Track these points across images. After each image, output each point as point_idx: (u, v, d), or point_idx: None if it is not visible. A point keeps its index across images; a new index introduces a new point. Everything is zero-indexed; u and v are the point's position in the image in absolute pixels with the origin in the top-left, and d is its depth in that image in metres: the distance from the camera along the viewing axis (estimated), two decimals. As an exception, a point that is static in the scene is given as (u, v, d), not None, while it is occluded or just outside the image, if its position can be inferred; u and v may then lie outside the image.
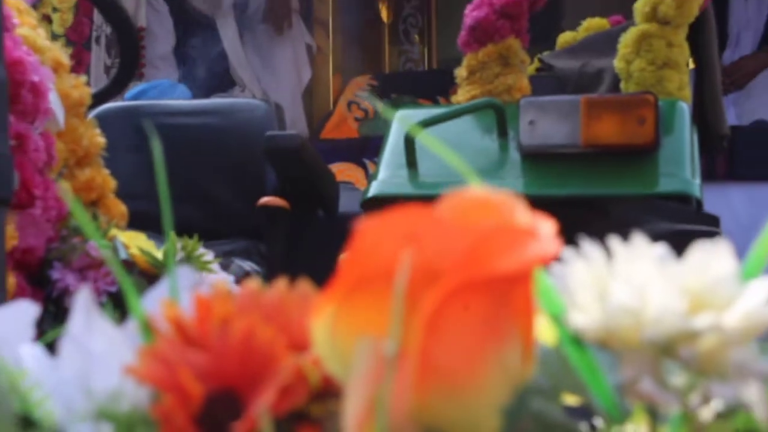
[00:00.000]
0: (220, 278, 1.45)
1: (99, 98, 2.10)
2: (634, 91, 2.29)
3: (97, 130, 1.69)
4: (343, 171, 4.17)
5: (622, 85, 2.41)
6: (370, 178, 2.22)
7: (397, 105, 4.59)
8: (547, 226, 0.37)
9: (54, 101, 1.57)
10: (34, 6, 4.32)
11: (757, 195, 3.93)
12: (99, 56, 4.31)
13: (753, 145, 3.95)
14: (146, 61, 4.46)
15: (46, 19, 4.32)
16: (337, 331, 0.38)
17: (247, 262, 2.37)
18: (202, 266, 1.43)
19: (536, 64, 2.93)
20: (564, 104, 2.12)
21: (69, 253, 1.46)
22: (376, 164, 2.27)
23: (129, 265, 1.45)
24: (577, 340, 0.41)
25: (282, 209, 2.26)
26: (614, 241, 0.46)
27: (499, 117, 2.18)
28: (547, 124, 2.12)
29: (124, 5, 4.22)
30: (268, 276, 2.39)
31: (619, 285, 0.42)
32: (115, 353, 0.44)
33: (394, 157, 2.21)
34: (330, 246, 2.43)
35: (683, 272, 0.44)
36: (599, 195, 2.15)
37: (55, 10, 4.32)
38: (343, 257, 0.39)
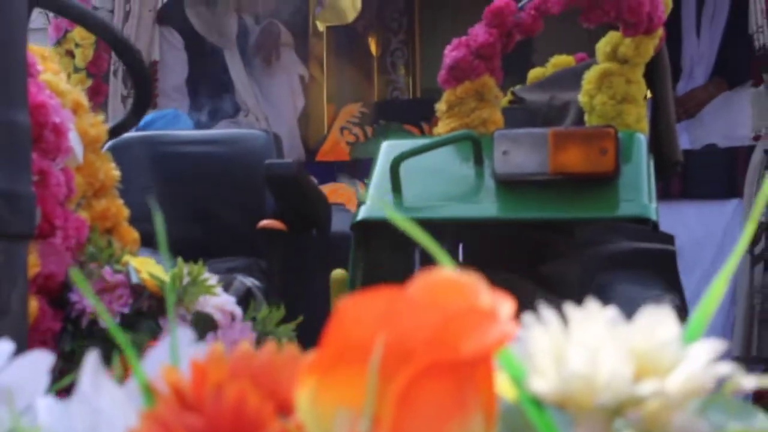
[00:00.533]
0: (223, 300, 1.45)
1: (115, 132, 2.10)
2: (596, 125, 2.30)
3: (112, 164, 1.69)
4: (336, 191, 4.17)
5: (585, 117, 2.42)
6: (359, 202, 2.22)
7: (385, 131, 4.61)
8: (506, 307, 0.37)
9: (74, 139, 1.56)
10: (59, 42, 4.36)
11: (708, 212, 3.94)
12: (116, 88, 4.30)
13: (704, 166, 3.96)
14: (160, 91, 4.47)
15: (69, 54, 4.32)
16: (318, 401, 0.38)
17: (248, 279, 2.36)
18: (207, 290, 1.43)
19: (509, 96, 2.93)
20: (534, 136, 2.12)
21: (87, 277, 1.46)
22: (365, 189, 2.27)
23: (140, 288, 1.45)
24: (536, 401, 0.41)
25: (280, 231, 2.26)
26: (570, 307, 0.46)
27: (476, 147, 2.18)
28: (519, 154, 2.13)
29: (140, 41, 4.24)
30: (268, 290, 2.39)
31: (574, 351, 0.42)
32: (120, 412, 0.44)
33: (380, 184, 2.21)
34: (324, 262, 2.43)
35: (632, 335, 0.44)
36: (566, 218, 2.16)
37: (77, 45, 4.32)
38: (325, 333, 0.39)
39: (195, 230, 2.58)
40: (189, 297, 1.41)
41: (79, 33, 4.33)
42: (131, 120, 2.08)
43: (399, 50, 5.48)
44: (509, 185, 2.14)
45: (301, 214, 2.38)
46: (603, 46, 2.42)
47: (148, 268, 1.48)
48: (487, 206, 2.14)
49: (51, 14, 4.59)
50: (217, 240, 2.57)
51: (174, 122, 3.56)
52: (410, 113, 4.77)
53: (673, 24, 4.52)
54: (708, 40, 4.40)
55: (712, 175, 3.92)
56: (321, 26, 4.75)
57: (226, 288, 2.31)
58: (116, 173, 1.68)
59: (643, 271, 2.29)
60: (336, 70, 4.91)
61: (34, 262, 1.35)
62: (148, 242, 2.62)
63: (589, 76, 2.42)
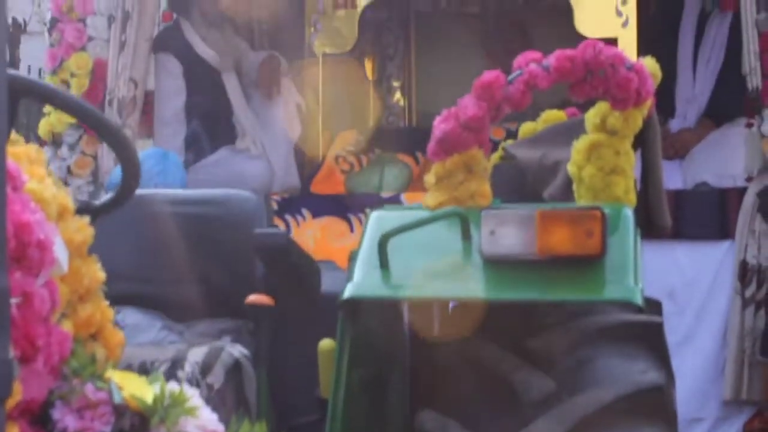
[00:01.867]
0: (204, 420, 1.46)
1: (101, 210, 2.10)
2: (583, 205, 2.31)
3: (98, 265, 1.69)
4: (330, 225, 4.18)
5: (574, 186, 2.42)
6: (347, 278, 2.22)
7: (380, 161, 4.61)
8: None
9: (59, 248, 1.57)
10: (54, 71, 4.36)
11: (700, 253, 3.94)
12: (111, 117, 4.30)
13: (696, 206, 3.96)
14: (156, 120, 4.47)
15: (65, 83, 4.32)
16: None
17: (237, 347, 2.38)
18: (188, 411, 1.44)
19: (500, 153, 2.94)
20: (521, 216, 2.13)
21: (69, 394, 1.47)
22: (352, 263, 2.25)
23: (122, 408, 1.46)
24: None
25: (267, 307, 2.28)
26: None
27: (464, 225, 2.19)
28: (506, 234, 2.13)
29: (136, 71, 4.23)
30: (256, 358, 2.40)
31: None
32: None
33: (368, 259, 2.21)
34: (312, 330, 2.44)
35: None
36: (552, 300, 2.17)
37: (72, 75, 4.32)
38: None
39: (184, 291, 2.59)
40: (171, 418, 1.42)
41: (75, 62, 4.33)
42: (120, 198, 2.08)
43: (395, 75, 5.48)
44: (496, 264, 2.15)
45: (290, 283, 2.39)
46: (592, 117, 2.42)
47: (130, 384, 1.49)
48: (473, 286, 2.15)
49: (47, 24, 4.60)
50: (206, 301, 2.58)
51: (163, 162, 3.56)
52: (406, 142, 4.79)
53: (669, 62, 4.53)
54: (703, 81, 4.42)
55: (705, 216, 3.92)
56: (317, 52, 4.76)
57: (215, 359, 2.33)
58: (101, 275, 1.69)
59: (628, 343, 2.30)
60: (331, 97, 4.91)
61: (17, 390, 1.36)
62: (137, 301, 2.64)
63: (578, 146, 2.42)
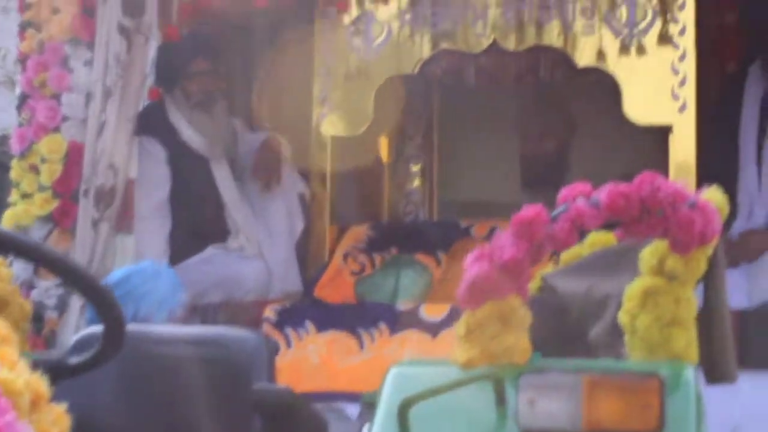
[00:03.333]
0: None
1: (81, 368, 2.11)
2: (638, 368, 2.30)
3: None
4: (336, 341, 4.18)
5: (626, 338, 2.41)
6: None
7: (396, 263, 4.62)
8: None
9: (31, 448, 1.57)
10: (23, 155, 4.39)
11: (767, 384, 3.92)
12: (87, 209, 4.32)
13: (764, 328, 3.94)
14: (137, 213, 4.48)
15: (34, 170, 4.35)
16: None
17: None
18: None
19: (538, 283, 2.93)
20: (565, 383, 2.12)
21: None
22: (364, 414, 2.25)
23: None
24: None
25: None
26: None
27: (498, 389, 2.18)
28: (547, 403, 2.12)
29: (117, 157, 4.25)
30: None
31: None
32: None
33: (386, 426, 2.21)
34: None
35: None
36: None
37: (43, 160, 4.34)
38: None
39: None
40: None
41: (47, 145, 4.36)
42: (100, 359, 2.09)
43: (415, 157, 5.50)
44: (535, 438, 2.13)
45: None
46: (648, 257, 2.41)
47: None
48: (509, 464, 2.13)
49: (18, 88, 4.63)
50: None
51: (152, 279, 3.55)
52: (426, 238, 4.78)
53: (731, 152, 4.55)
54: None
55: (773, 341, 3.90)
56: (325, 134, 4.78)
57: None
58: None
59: None
60: (341, 184, 4.92)
61: None
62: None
63: (631, 292, 2.41)
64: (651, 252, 2.43)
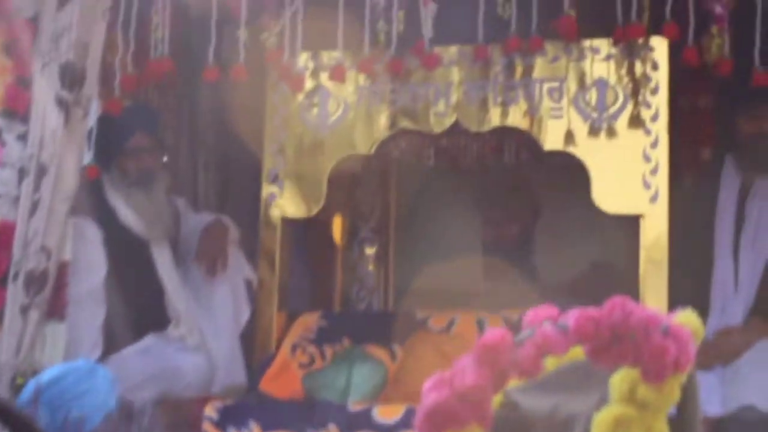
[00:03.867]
0: None
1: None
2: None
3: None
4: (284, 442, 4.13)
5: (595, 469, 2.38)
6: None
7: (348, 356, 4.56)
8: None
9: None
10: (-55, 242, 4.31)
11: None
12: (15, 295, 4.25)
13: (742, 440, 3.92)
14: (70, 298, 4.41)
15: (-43, 252, 4.28)
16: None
17: None
18: None
19: (500, 398, 2.89)
20: None
21: None
22: None
23: None
24: None
25: None
26: None
27: None
28: None
29: (50, 238, 4.19)
30: None
31: None
32: None
33: None
34: None
35: None
36: None
37: (-31, 245, 4.28)
38: None
39: None
40: None
41: (-26, 227, 4.30)
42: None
43: (369, 240, 5.49)
44: None
45: None
46: (618, 383, 2.39)
47: None
48: None
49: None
50: None
51: (87, 380, 3.49)
52: (380, 329, 4.73)
53: (705, 242, 4.55)
54: (748, 268, 4.40)
55: (753, 454, 3.88)
56: (275, 218, 4.74)
57: None
58: None
59: None
60: (291, 268, 4.88)
61: None
62: None
63: (601, 420, 2.39)
64: (622, 378, 2.40)
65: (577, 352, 3.09)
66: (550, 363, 3.09)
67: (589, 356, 2.34)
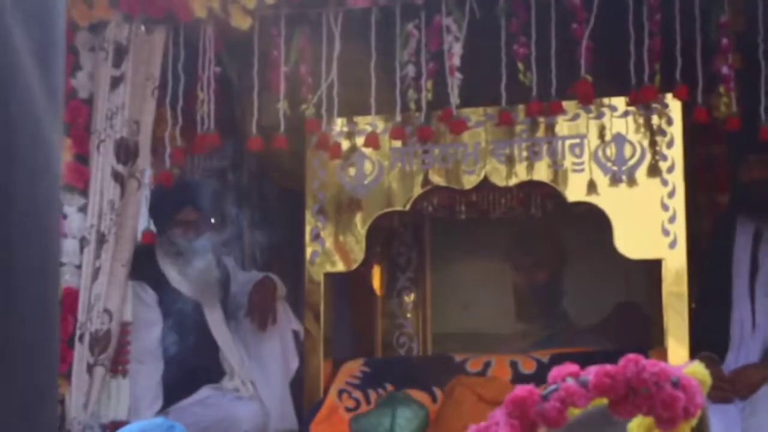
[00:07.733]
0: None
1: None
2: None
3: None
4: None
5: None
6: None
7: (391, 401, 4.82)
8: None
9: None
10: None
11: None
12: (81, 355, 4.54)
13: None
14: (132, 356, 4.69)
15: (28, 316, 4.56)
16: None
17: None
18: None
19: (524, 444, 3.14)
20: None
21: None
22: None
23: None
24: None
25: None
26: None
27: None
28: None
29: (112, 302, 4.47)
30: None
31: None
32: None
33: None
34: None
35: None
36: None
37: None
38: None
39: None
40: None
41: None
42: None
43: (407, 289, 5.75)
44: None
45: None
46: (635, 428, 2.64)
47: None
48: None
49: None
50: None
51: (165, 435, 3.72)
52: (421, 375, 4.98)
53: (724, 287, 4.76)
54: (764, 310, 4.60)
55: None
56: (317, 275, 5.01)
57: None
58: None
59: None
60: (334, 319, 5.15)
61: None
62: None
63: (620, 464, 2.63)
64: (638, 425, 2.65)
65: (600, 399, 3.36)
66: (573, 411, 3.36)
67: (610, 409, 2.59)
